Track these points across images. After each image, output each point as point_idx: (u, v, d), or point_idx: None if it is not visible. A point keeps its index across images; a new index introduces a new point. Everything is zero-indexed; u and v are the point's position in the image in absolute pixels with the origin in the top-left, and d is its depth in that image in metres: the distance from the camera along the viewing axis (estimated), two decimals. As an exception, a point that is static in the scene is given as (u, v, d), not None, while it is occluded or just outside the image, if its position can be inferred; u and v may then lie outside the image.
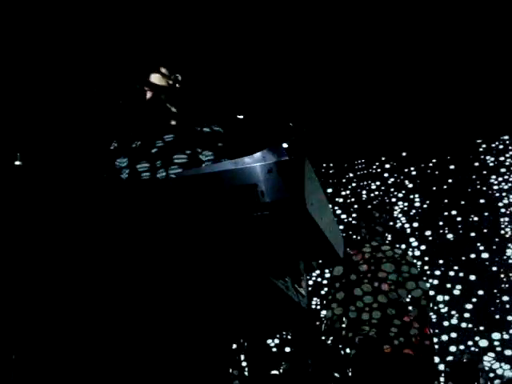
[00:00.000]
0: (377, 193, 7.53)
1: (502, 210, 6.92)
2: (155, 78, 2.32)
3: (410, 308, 4.06)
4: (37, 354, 1.60)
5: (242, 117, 1.70)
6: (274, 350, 7.29)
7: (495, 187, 7.02)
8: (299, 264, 1.57)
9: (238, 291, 1.49)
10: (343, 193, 7.66)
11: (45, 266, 1.51)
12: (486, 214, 6.92)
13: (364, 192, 7.59)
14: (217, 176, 1.39)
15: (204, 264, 1.42)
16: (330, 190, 7.66)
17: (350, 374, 4.24)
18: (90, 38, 4.62)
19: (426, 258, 6.95)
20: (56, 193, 1.51)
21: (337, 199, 7.65)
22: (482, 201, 7.00)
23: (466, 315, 6.65)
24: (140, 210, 1.43)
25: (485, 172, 7.12)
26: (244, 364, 4.67)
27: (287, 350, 7.22)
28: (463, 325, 6.61)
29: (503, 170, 7.04)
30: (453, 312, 6.72)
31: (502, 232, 6.84)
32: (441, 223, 7.09)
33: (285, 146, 1.48)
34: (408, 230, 7.13)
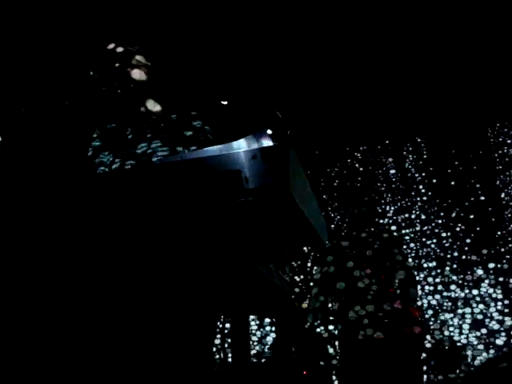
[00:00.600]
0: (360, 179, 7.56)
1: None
2: (135, 67, 2.30)
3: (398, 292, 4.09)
4: (37, 353, 1.59)
5: (226, 102, 1.69)
6: (257, 336, 7.33)
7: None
8: (283, 250, 1.57)
9: (222, 277, 1.49)
10: (328, 180, 7.68)
11: (37, 265, 1.50)
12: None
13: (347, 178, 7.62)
14: (201, 162, 1.38)
15: (188, 250, 1.42)
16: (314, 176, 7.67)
17: (334, 361, 4.27)
18: (77, 32, 4.57)
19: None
20: (40, 189, 1.49)
21: (321, 185, 7.67)
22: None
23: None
24: (123, 198, 1.42)
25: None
26: (227, 350, 4.69)
27: (270, 337, 7.26)
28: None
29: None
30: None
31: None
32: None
33: (269, 132, 1.48)
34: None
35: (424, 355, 6.15)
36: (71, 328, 1.57)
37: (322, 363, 5.57)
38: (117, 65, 2.28)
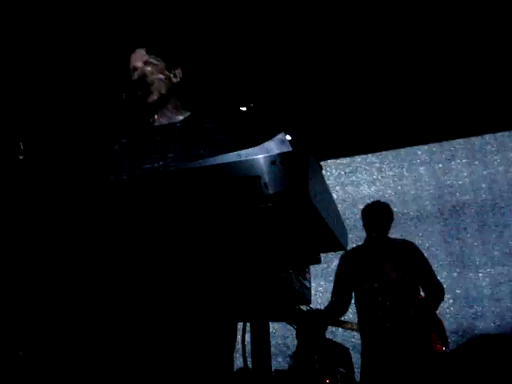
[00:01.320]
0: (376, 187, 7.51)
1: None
2: (155, 72, 2.33)
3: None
4: (38, 353, 1.60)
5: (245, 109, 1.69)
6: (278, 343, 7.29)
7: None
8: (304, 256, 1.56)
9: (243, 283, 1.49)
10: (348, 187, 7.64)
11: (45, 265, 1.51)
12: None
13: (366, 186, 7.57)
14: (220, 168, 1.38)
15: (208, 256, 1.42)
16: (332, 182, 7.63)
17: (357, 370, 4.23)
18: (88, 37, 4.62)
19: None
20: (55, 191, 1.50)
21: (339, 192, 7.63)
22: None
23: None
24: (143, 204, 1.42)
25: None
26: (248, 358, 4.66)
27: (292, 344, 7.22)
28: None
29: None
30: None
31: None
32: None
33: (288, 137, 1.48)
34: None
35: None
36: (83, 328, 1.57)
37: (343, 371, 5.52)
38: (135, 74, 2.31)
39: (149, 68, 2.32)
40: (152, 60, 2.33)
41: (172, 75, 2.38)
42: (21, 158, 1.83)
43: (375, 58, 5.57)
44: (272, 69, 5.35)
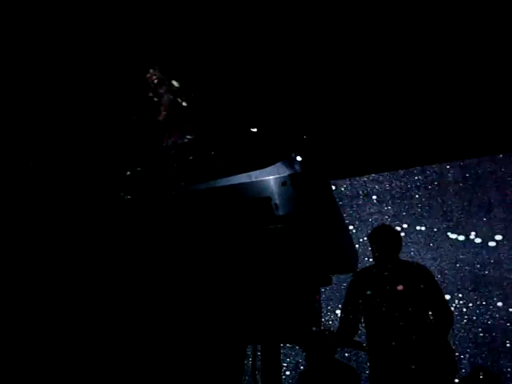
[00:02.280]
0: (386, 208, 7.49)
1: None
2: (167, 94, 2.34)
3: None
4: (37, 353, 1.60)
5: (255, 130, 1.70)
6: (288, 364, 7.23)
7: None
8: (314, 277, 1.56)
9: (252, 304, 1.48)
10: (355, 208, 7.62)
11: (51, 267, 1.51)
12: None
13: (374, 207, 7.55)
14: (230, 189, 1.39)
15: (218, 277, 1.42)
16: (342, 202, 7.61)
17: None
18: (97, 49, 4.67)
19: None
20: (65, 200, 1.51)
21: (350, 213, 7.61)
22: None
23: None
24: (153, 224, 1.43)
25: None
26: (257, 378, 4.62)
27: (300, 365, 7.16)
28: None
29: None
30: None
31: None
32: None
33: (298, 158, 1.48)
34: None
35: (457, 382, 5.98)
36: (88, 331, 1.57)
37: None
38: (148, 93, 2.32)
39: (161, 89, 2.34)
40: (166, 81, 2.35)
41: (184, 98, 2.39)
42: (31, 165, 1.84)
43: (389, 76, 5.59)
44: (283, 89, 5.39)
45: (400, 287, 3.96)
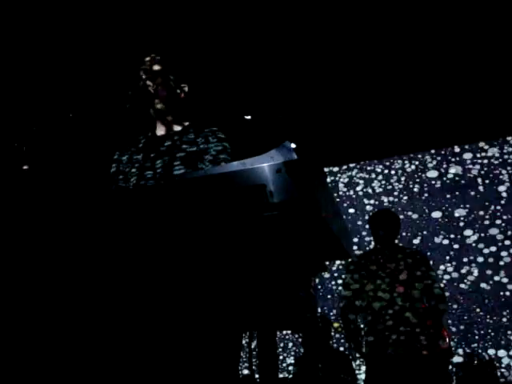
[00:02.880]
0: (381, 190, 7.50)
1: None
2: (162, 85, 2.32)
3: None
4: (37, 353, 1.59)
5: (249, 117, 1.69)
6: (283, 352, 7.27)
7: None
8: (309, 264, 1.56)
9: (247, 292, 1.48)
10: (352, 192, 7.62)
11: (48, 267, 1.51)
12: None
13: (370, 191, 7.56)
14: (225, 177, 1.38)
15: (213, 266, 1.41)
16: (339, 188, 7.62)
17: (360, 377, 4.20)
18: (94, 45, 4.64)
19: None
20: (57, 200, 1.50)
21: (344, 198, 7.62)
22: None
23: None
24: (148, 213, 1.42)
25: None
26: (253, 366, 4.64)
27: (295, 353, 7.20)
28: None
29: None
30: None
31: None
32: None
33: (293, 145, 1.47)
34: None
35: (453, 371, 6.03)
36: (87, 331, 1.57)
37: (347, 378, 5.50)
38: (143, 82, 2.31)
39: (158, 79, 2.32)
40: (162, 72, 2.33)
41: (179, 91, 2.38)
42: (25, 167, 1.83)
43: (383, 63, 5.58)
44: (277, 77, 5.37)
45: (402, 275, 3.98)
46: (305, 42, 5.14)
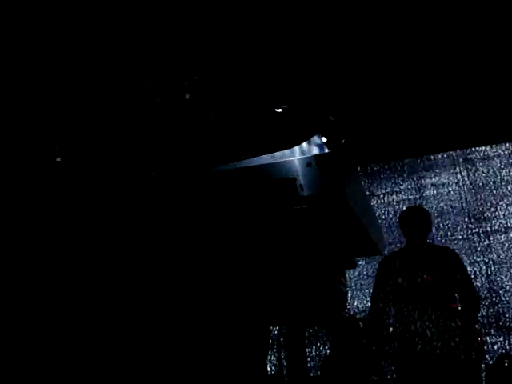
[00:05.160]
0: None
1: None
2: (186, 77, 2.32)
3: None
4: (38, 353, 1.61)
5: (280, 110, 1.69)
6: (312, 349, 7.23)
7: None
8: (339, 259, 1.54)
9: (278, 285, 1.48)
10: (382, 190, 7.53)
11: (50, 266, 1.52)
12: None
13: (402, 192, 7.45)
14: (255, 170, 1.37)
15: (243, 258, 1.41)
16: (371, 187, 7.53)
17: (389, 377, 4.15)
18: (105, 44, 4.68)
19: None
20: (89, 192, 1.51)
21: (376, 197, 7.53)
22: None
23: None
24: (180, 205, 1.42)
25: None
26: (282, 363, 4.62)
27: (324, 350, 7.15)
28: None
29: None
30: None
31: None
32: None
33: (324, 139, 1.46)
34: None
35: (483, 372, 5.91)
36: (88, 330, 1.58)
37: (375, 379, 5.44)
38: (171, 77, 2.31)
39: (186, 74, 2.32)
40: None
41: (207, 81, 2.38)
42: (58, 160, 1.85)
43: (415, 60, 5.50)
44: (309, 69, 5.32)
45: (429, 277, 3.92)
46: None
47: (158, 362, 1.61)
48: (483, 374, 5.61)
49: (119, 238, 1.49)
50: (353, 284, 7.14)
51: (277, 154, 1.40)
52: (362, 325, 4.07)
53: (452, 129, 6.55)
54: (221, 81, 2.39)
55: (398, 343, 3.96)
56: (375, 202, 7.44)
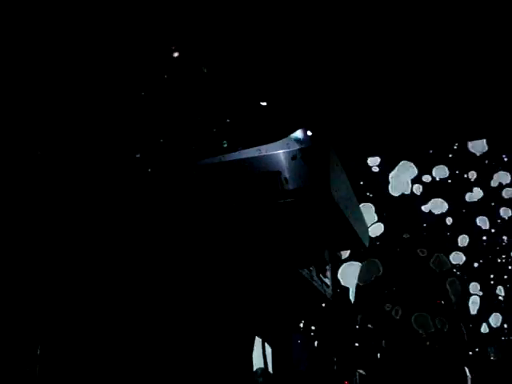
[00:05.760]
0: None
1: None
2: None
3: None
4: (40, 352, 1.60)
5: (265, 103, 1.68)
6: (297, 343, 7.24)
7: None
8: (324, 253, 1.54)
9: (261, 280, 1.48)
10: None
11: (50, 265, 1.51)
12: None
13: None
14: (240, 163, 1.37)
15: (227, 251, 1.41)
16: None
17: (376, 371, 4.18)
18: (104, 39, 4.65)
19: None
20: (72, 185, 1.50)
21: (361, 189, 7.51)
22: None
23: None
24: (163, 198, 1.42)
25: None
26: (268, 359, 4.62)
27: (310, 344, 7.16)
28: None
29: None
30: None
31: None
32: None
33: (309, 133, 1.46)
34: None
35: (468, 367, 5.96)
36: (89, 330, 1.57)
37: (363, 373, 5.47)
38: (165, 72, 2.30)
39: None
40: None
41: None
42: (39, 153, 1.83)
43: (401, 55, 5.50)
44: (294, 62, 5.30)
45: (415, 271, 3.95)
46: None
47: (144, 360, 1.60)
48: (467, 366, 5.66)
49: (103, 232, 1.48)
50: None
51: (262, 147, 1.40)
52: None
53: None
54: (206, 73, 2.38)
55: (386, 337, 3.99)
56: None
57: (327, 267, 1.59)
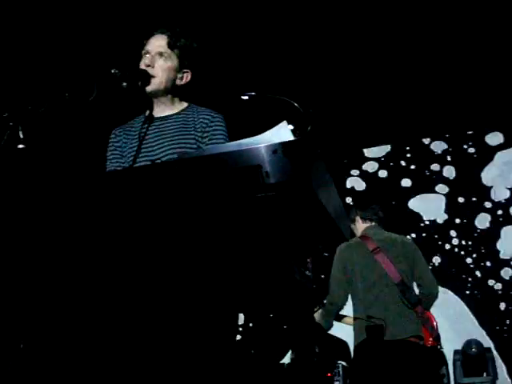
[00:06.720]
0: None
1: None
2: (164, 68, 2.29)
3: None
4: (39, 352, 1.59)
5: (246, 97, 1.67)
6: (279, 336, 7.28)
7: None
8: (305, 246, 1.55)
9: (242, 274, 1.47)
10: (352, 177, 7.58)
11: (45, 265, 1.49)
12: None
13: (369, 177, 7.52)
14: (220, 157, 1.36)
15: (208, 246, 1.40)
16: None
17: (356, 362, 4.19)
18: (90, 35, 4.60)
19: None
20: (53, 183, 1.48)
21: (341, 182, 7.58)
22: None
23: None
24: (142, 195, 1.40)
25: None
26: (249, 351, 4.66)
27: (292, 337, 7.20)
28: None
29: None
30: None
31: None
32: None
33: (290, 126, 1.45)
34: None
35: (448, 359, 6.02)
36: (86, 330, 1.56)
37: (344, 364, 5.50)
38: (145, 60, 2.27)
39: (160, 61, 2.27)
40: (167, 54, 2.28)
41: (179, 77, 2.33)
42: (20, 147, 1.80)
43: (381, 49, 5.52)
44: (275, 57, 5.30)
45: (388, 261, 3.96)
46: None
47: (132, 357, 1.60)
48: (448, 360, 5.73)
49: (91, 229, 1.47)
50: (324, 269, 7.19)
51: (242, 141, 1.39)
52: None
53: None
54: (190, 67, 2.36)
55: (357, 331, 4.00)
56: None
57: (308, 260, 1.59)
